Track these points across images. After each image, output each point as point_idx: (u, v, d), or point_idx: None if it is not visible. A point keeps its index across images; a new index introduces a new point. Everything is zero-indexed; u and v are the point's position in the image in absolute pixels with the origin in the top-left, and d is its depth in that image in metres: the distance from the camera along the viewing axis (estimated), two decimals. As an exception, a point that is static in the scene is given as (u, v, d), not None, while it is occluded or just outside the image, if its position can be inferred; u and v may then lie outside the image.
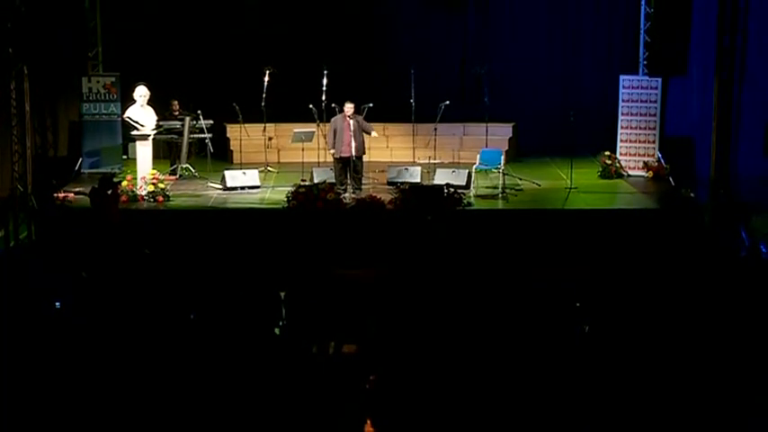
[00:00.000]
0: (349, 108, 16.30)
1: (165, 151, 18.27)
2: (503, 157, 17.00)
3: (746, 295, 11.88)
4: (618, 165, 18.15)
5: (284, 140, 18.59)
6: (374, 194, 16.02)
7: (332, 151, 16.48)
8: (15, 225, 15.61)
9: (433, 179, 16.86)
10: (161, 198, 16.05)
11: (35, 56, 16.36)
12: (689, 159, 17.86)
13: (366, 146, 16.78)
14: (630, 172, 18.25)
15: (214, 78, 19.43)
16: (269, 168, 18.29)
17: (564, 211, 15.88)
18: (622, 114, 18.39)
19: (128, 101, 17.23)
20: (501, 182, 16.62)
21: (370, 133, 16.73)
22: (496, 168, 16.80)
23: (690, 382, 9.59)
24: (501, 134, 19.16)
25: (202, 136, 18.00)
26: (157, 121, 17.15)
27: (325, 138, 17.05)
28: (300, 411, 10.52)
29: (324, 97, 17.44)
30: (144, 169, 16.38)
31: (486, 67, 18.43)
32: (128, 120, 16.77)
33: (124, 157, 18.44)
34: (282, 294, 12.49)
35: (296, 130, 17.43)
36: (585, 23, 19.99)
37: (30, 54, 16.00)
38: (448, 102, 17.56)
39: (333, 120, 16.54)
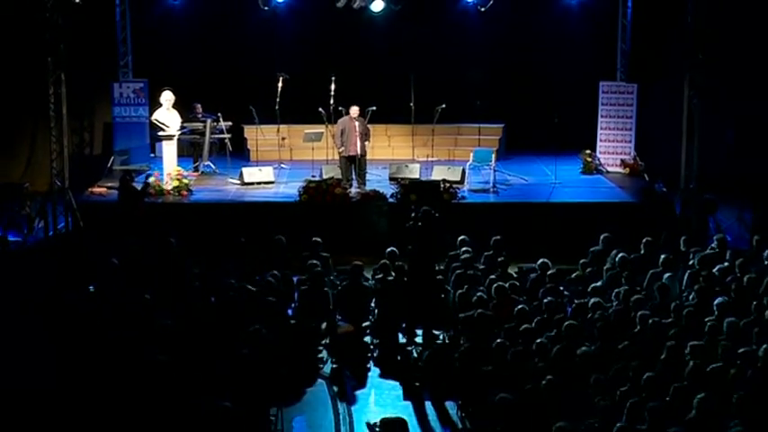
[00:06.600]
0: (354, 111, 16.90)
1: (189, 150, 18.64)
2: (494, 155, 17.48)
3: (714, 281, 12.17)
4: (597, 162, 18.68)
5: (296, 140, 19.01)
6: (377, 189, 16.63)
7: (341, 149, 16.89)
8: (54, 216, 16.39)
9: (431, 175, 17.33)
10: (185, 192, 16.62)
11: (71, 64, 16.88)
12: (661, 157, 18.22)
13: (369, 147, 17.20)
14: (609, 168, 18.78)
15: (233, 84, 19.58)
16: (282, 165, 18.67)
17: (549, 204, 16.45)
18: (602, 117, 18.89)
19: (155, 105, 17.80)
20: (492, 177, 17.16)
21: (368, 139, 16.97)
22: (488, 165, 17.30)
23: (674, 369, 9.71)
24: (492, 134, 19.55)
25: (222, 136, 18.44)
26: (182, 122, 17.59)
27: (333, 138, 17.49)
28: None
29: (332, 101, 17.88)
30: (169, 166, 16.92)
31: (478, 72, 18.90)
32: (155, 122, 17.30)
33: (152, 155, 18.58)
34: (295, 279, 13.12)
35: (307, 131, 17.98)
36: (569, 35, 20.06)
37: (66, 63, 16.58)
38: (444, 105, 18.02)
39: (340, 121, 17.02)
